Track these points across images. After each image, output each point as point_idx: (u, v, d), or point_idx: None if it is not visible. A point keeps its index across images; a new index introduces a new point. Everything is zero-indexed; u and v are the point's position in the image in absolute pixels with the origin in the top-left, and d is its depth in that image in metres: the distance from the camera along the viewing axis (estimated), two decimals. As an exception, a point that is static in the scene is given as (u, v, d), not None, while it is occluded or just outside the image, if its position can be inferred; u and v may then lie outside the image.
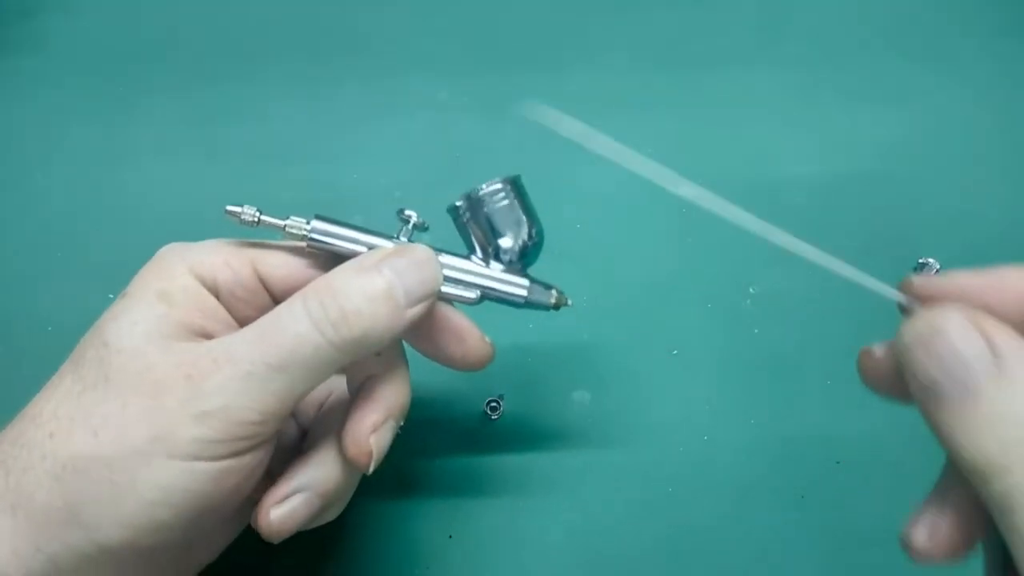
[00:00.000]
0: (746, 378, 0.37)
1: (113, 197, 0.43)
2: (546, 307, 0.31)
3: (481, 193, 0.30)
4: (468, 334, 0.30)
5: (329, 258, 0.28)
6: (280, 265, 0.28)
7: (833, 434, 0.34)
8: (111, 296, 0.36)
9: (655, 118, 0.45)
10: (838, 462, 0.35)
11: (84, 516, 0.23)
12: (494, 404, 0.37)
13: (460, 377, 0.37)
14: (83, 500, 0.23)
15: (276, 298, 0.28)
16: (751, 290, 0.40)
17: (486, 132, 0.45)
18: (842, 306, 0.35)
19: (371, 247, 0.28)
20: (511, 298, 0.30)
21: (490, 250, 0.30)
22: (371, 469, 0.28)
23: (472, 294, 0.30)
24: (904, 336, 0.21)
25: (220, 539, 0.31)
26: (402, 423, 0.30)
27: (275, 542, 0.28)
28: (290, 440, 0.32)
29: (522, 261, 0.30)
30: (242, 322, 0.28)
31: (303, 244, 0.28)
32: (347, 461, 0.28)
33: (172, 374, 0.24)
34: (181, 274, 0.27)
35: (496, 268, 0.30)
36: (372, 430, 0.28)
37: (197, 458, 0.24)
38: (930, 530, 0.22)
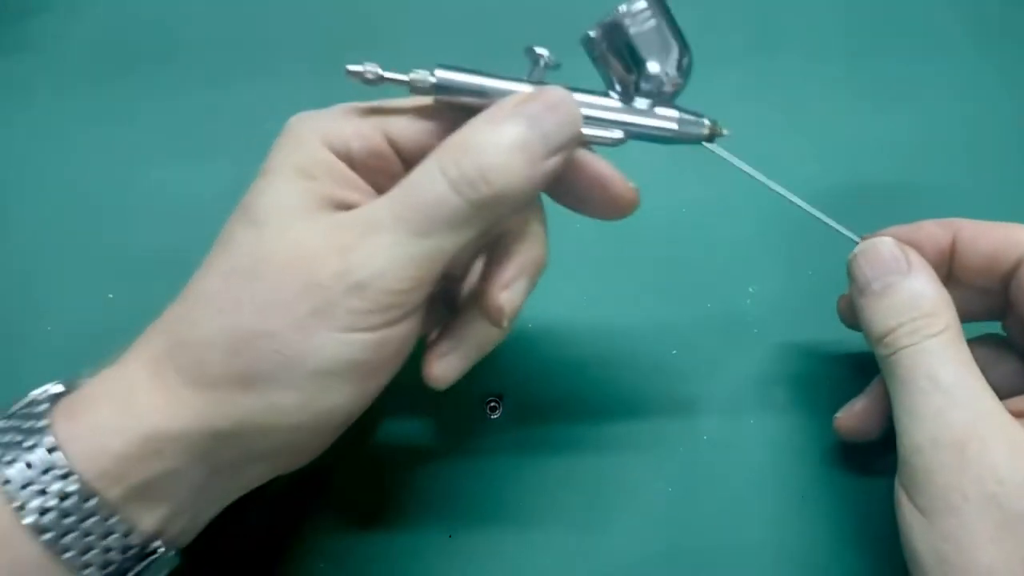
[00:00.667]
0: (746, 378, 0.37)
1: (113, 197, 0.43)
2: (699, 139, 0.28)
3: (620, 15, 0.26)
4: (612, 181, 0.28)
5: (459, 113, 0.26)
6: (409, 127, 0.28)
7: (834, 434, 0.34)
8: (111, 296, 0.36)
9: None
10: (839, 462, 0.35)
11: (259, 386, 0.25)
12: (493, 403, 0.37)
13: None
14: (256, 372, 0.25)
15: (409, 163, 0.27)
16: (751, 290, 0.40)
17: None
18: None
19: (502, 93, 0.26)
20: (660, 133, 0.28)
21: (632, 82, 0.27)
22: (504, 325, 0.28)
23: (616, 134, 0.27)
24: (851, 254, 0.31)
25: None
26: (537, 280, 0.29)
27: (441, 388, 0.30)
28: (438, 296, 0.32)
29: (670, 92, 0.27)
30: (380, 189, 0.27)
31: (430, 100, 0.27)
32: (484, 316, 0.28)
33: (322, 248, 0.25)
34: (316, 147, 0.27)
35: (641, 102, 0.27)
36: (503, 288, 0.28)
37: (355, 329, 0.25)
38: (848, 407, 0.34)
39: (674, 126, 0.28)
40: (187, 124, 0.45)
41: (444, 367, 0.29)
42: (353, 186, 0.28)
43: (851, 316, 0.33)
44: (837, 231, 0.32)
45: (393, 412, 0.37)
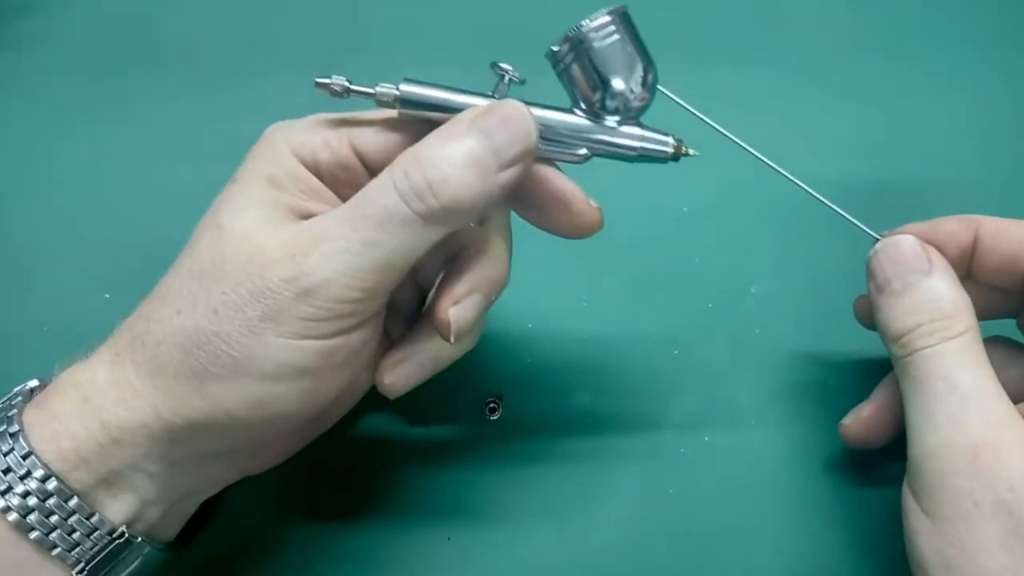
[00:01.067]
0: (747, 379, 0.37)
1: (111, 196, 0.43)
2: (664, 158, 0.28)
3: (584, 30, 0.26)
4: (573, 197, 0.28)
5: (424, 127, 0.27)
6: (376, 139, 0.28)
7: (835, 434, 0.34)
8: (107, 296, 0.36)
9: (653, 117, 0.44)
10: (841, 465, 0.35)
11: (210, 385, 0.26)
12: (493, 404, 0.36)
13: (459, 377, 0.37)
14: (207, 372, 0.25)
15: (374, 173, 0.28)
16: (752, 290, 0.40)
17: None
18: (842, 306, 0.35)
19: (465, 107, 0.27)
20: (623, 151, 0.27)
21: (597, 98, 0.27)
22: (452, 340, 0.29)
23: (579, 152, 0.27)
24: (872, 251, 0.31)
25: (339, 409, 0.33)
26: (494, 298, 0.29)
27: (392, 398, 0.30)
28: (409, 305, 0.33)
29: (635, 108, 0.27)
30: (345, 200, 0.28)
31: (395, 113, 0.27)
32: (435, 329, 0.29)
33: (278, 254, 0.25)
34: (286, 157, 0.28)
35: (605, 119, 0.27)
36: (452, 302, 0.28)
37: (304, 336, 0.26)
38: (855, 414, 0.33)
39: (637, 144, 0.27)
40: (184, 123, 0.45)
41: (396, 375, 0.30)
42: (319, 197, 0.28)
43: (868, 316, 0.32)
44: (856, 228, 0.31)
45: (393, 413, 0.37)
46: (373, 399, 0.33)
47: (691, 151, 0.29)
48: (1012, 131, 0.45)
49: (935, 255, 0.29)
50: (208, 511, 0.33)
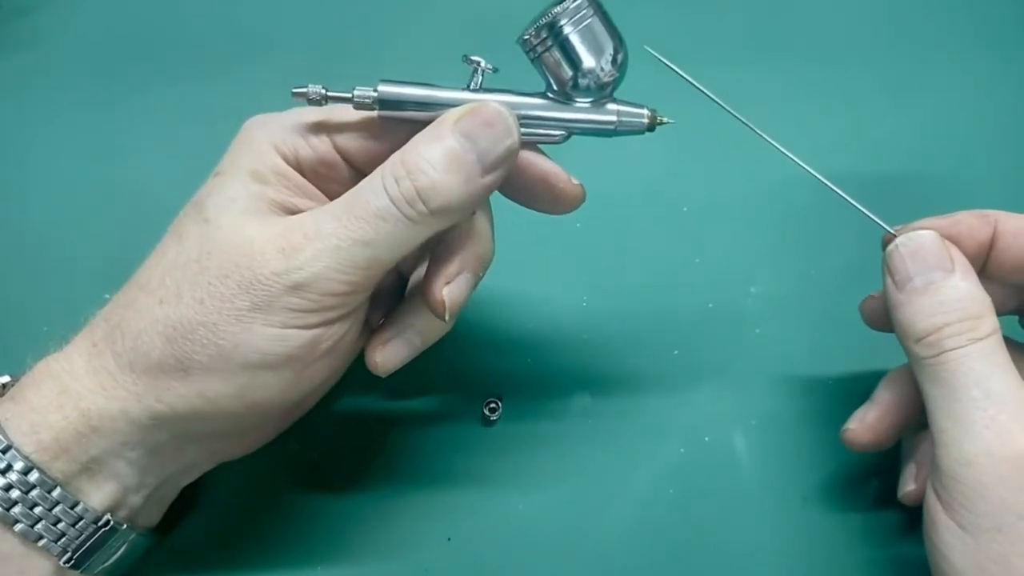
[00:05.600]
0: (747, 378, 0.37)
1: (109, 195, 0.43)
2: (640, 130, 0.28)
3: (553, 16, 0.26)
4: (555, 178, 0.29)
5: (405, 124, 0.27)
6: (356, 138, 0.29)
7: (835, 434, 0.33)
8: (107, 296, 0.36)
9: (658, 97, 0.45)
10: (840, 464, 0.35)
11: (194, 373, 0.26)
12: (493, 405, 0.36)
13: (459, 378, 0.37)
14: (192, 360, 0.26)
15: (358, 169, 0.29)
16: (752, 290, 0.40)
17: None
18: (842, 306, 0.35)
19: (444, 105, 0.27)
20: (600, 128, 0.28)
21: (570, 78, 0.27)
22: (447, 319, 0.29)
23: (557, 133, 0.28)
24: (891, 246, 0.29)
25: (316, 394, 0.33)
26: (482, 275, 0.30)
27: (383, 376, 0.30)
28: (390, 287, 0.34)
29: (608, 84, 0.27)
30: (329, 194, 0.29)
31: (374, 114, 0.27)
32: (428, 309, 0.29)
33: (268, 247, 0.26)
34: (268, 153, 0.28)
35: (579, 100, 0.27)
36: (446, 282, 0.29)
37: (291, 326, 0.26)
38: (859, 419, 0.32)
39: (614, 119, 0.28)
40: (185, 123, 0.45)
41: (387, 354, 0.30)
42: (303, 192, 0.29)
43: (878, 317, 0.31)
44: (870, 220, 0.30)
45: (393, 413, 0.37)
46: (372, 399, 0.33)
47: (666, 119, 0.29)
48: (1015, 130, 0.45)
49: (956, 253, 0.28)
50: (191, 499, 0.33)
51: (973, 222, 0.29)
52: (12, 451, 0.26)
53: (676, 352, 0.38)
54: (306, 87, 0.27)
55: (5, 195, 0.43)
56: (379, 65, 0.48)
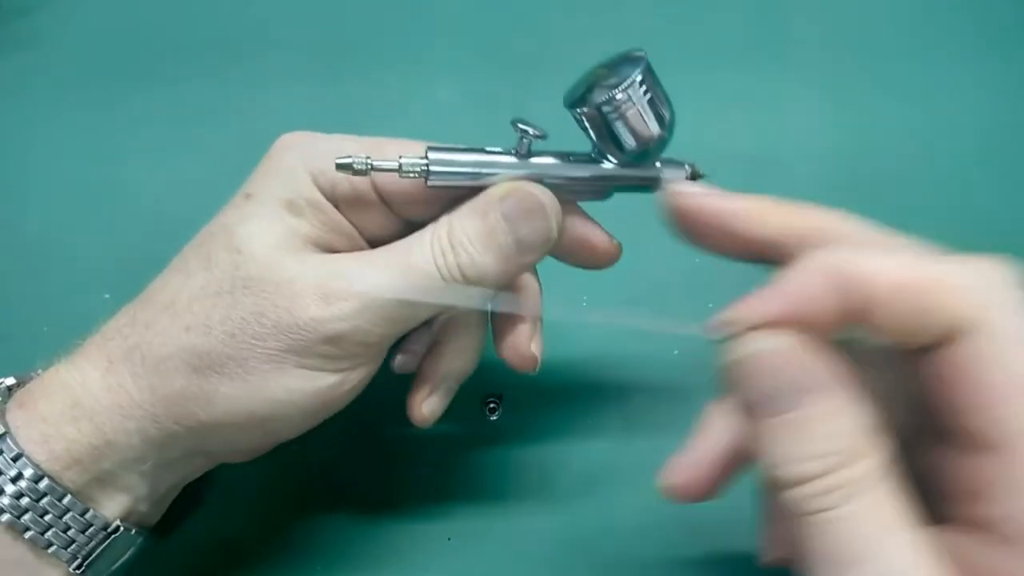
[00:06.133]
0: (747, 378, 0.37)
1: (109, 195, 0.43)
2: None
3: (611, 94, 0.26)
4: (595, 238, 0.30)
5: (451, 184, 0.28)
6: (399, 183, 0.28)
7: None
8: (107, 296, 0.36)
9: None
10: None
11: (218, 402, 0.26)
12: (493, 404, 0.36)
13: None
14: (218, 392, 0.26)
15: (394, 209, 0.29)
16: (752, 290, 0.40)
17: (485, 131, 0.45)
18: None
19: (491, 173, 0.28)
20: (644, 186, 0.29)
21: (618, 147, 0.27)
22: (427, 426, 0.31)
23: (600, 194, 0.28)
24: (734, 357, 0.22)
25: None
26: (463, 382, 0.32)
27: (427, 427, 0.32)
28: None
29: (656, 151, 0.28)
30: (363, 232, 0.29)
31: (421, 182, 0.27)
32: (514, 367, 0.31)
33: (308, 292, 0.26)
34: (304, 182, 0.28)
35: (625, 162, 0.28)
36: (529, 340, 0.30)
37: (322, 369, 0.27)
38: (678, 471, 0.27)
39: (656, 176, 0.28)
40: (185, 123, 0.45)
41: (432, 408, 0.32)
42: (339, 230, 0.29)
43: (778, 547, 0.26)
44: (679, 331, 0.26)
45: (393, 413, 0.37)
46: (371, 399, 0.33)
47: (703, 173, 0.29)
48: (1017, 130, 0.45)
49: (821, 362, 0.21)
50: (191, 497, 0.33)
51: (820, 291, 0.21)
52: (23, 459, 0.25)
53: (676, 352, 0.38)
54: (350, 157, 0.26)
55: (5, 195, 0.43)
56: (379, 65, 0.48)
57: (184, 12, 0.50)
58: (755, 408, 0.21)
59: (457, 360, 0.32)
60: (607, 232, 0.30)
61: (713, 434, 0.26)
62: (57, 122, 0.45)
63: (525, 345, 0.30)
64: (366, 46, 0.48)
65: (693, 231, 0.26)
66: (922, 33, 0.49)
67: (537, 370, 0.31)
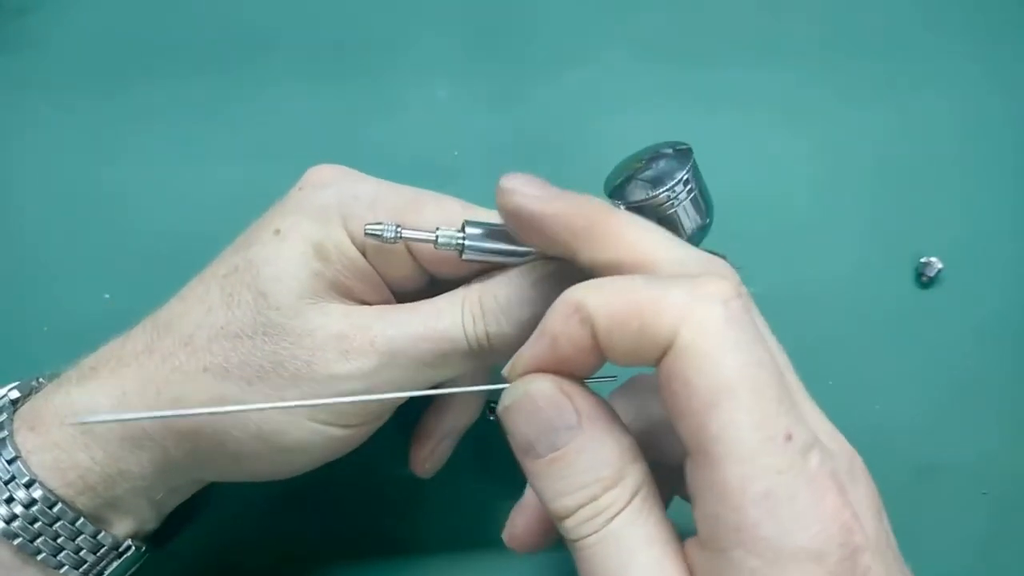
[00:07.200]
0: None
1: (108, 195, 0.43)
2: None
3: (656, 198, 0.26)
4: None
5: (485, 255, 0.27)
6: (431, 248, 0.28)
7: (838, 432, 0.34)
8: (107, 296, 0.36)
9: (655, 117, 0.45)
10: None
11: (230, 446, 0.26)
12: (493, 404, 0.36)
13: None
14: (230, 435, 0.26)
15: (421, 262, 0.28)
16: (751, 290, 0.40)
17: (485, 130, 0.45)
18: (843, 306, 0.35)
19: (528, 251, 0.26)
20: None
21: None
22: (427, 477, 0.33)
23: None
24: (501, 408, 0.23)
25: None
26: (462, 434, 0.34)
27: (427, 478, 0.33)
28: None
29: (696, 240, 0.27)
30: (389, 282, 0.28)
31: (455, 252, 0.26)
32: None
33: (329, 344, 0.25)
34: (337, 229, 0.27)
35: None
36: (431, 450, 0.32)
37: (334, 424, 0.26)
38: (512, 525, 0.28)
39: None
40: (184, 123, 0.45)
41: (435, 462, 0.33)
42: (363, 278, 0.28)
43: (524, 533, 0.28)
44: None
45: (392, 414, 0.37)
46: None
47: (739, 265, 0.28)
48: (1004, 132, 0.45)
49: (580, 398, 0.22)
50: (190, 506, 0.33)
51: (570, 329, 0.22)
52: (36, 484, 0.25)
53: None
54: (380, 226, 0.26)
55: (4, 195, 0.43)
56: (379, 65, 0.48)
57: (183, 12, 0.50)
58: (524, 452, 0.23)
59: (460, 417, 0.32)
60: None
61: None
62: (56, 122, 0.45)
63: (421, 456, 0.32)
64: (366, 46, 0.48)
65: (518, 226, 0.25)
66: (923, 32, 0.49)
67: (428, 476, 0.33)
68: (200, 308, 0.26)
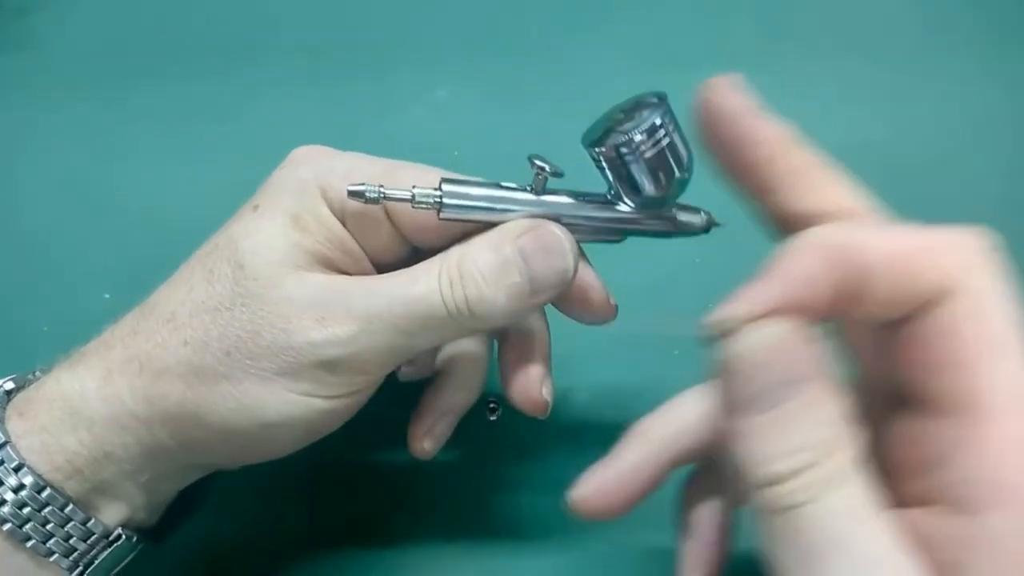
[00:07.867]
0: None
1: (108, 196, 0.43)
2: (696, 232, 0.28)
3: (630, 137, 0.25)
4: (594, 293, 0.29)
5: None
6: (410, 212, 0.28)
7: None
8: (107, 296, 0.36)
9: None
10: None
11: (211, 422, 0.26)
12: (493, 404, 0.36)
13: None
14: (211, 409, 0.26)
15: (402, 230, 0.28)
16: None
17: (485, 130, 0.45)
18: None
19: (506, 209, 0.27)
20: (659, 232, 0.28)
21: (635, 191, 0.27)
22: (428, 458, 0.31)
23: (614, 237, 0.28)
24: (726, 354, 0.21)
25: None
26: (463, 413, 0.32)
27: (428, 459, 0.32)
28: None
29: (673, 198, 0.27)
30: (370, 253, 0.28)
31: (434, 212, 0.26)
32: (523, 411, 0.30)
33: (305, 312, 0.25)
34: (314, 198, 0.27)
35: (642, 207, 0.27)
36: (540, 384, 0.30)
37: (314, 395, 0.26)
38: (590, 483, 0.27)
39: (672, 226, 0.28)
40: (184, 123, 0.45)
41: (434, 441, 0.32)
42: (343, 248, 0.28)
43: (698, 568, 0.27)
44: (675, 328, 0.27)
45: (392, 415, 0.37)
46: (371, 401, 0.33)
47: (719, 222, 0.29)
48: (1008, 132, 0.45)
49: (807, 355, 0.20)
50: (189, 500, 0.33)
51: (814, 270, 0.21)
52: (25, 469, 0.25)
53: (676, 352, 0.38)
54: (362, 185, 0.26)
55: (4, 195, 0.43)
56: (380, 65, 0.48)
57: (183, 12, 0.50)
58: (740, 408, 0.20)
59: (459, 394, 0.32)
60: (607, 291, 0.30)
61: (632, 454, 0.27)
62: (57, 122, 0.45)
63: (536, 389, 0.30)
64: (367, 46, 0.48)
65: (713, 134, 0.24)
66: (925, 31, 0.49)
67: (547, 415, 0.30)
68: (184, 288, 0.27)
